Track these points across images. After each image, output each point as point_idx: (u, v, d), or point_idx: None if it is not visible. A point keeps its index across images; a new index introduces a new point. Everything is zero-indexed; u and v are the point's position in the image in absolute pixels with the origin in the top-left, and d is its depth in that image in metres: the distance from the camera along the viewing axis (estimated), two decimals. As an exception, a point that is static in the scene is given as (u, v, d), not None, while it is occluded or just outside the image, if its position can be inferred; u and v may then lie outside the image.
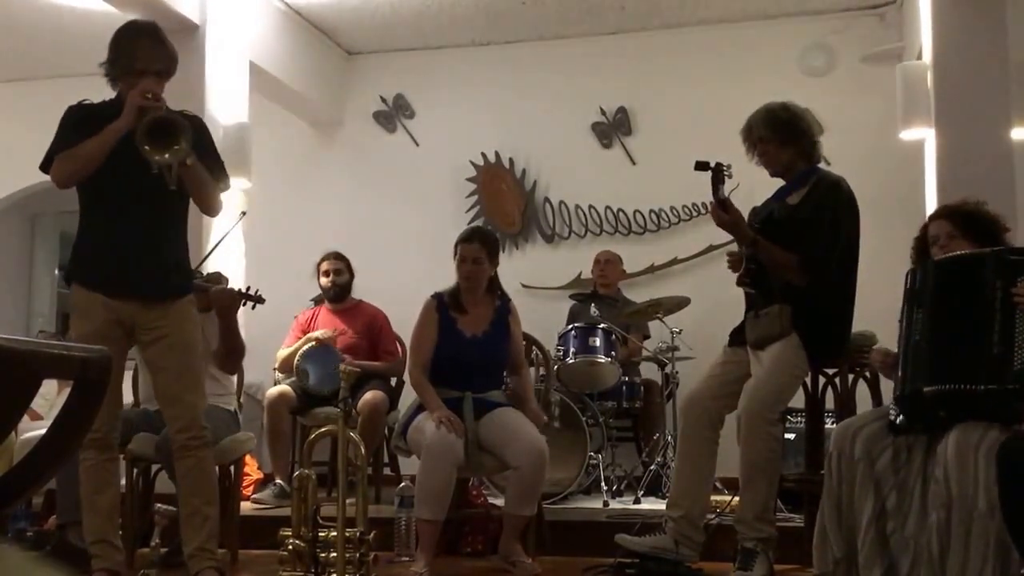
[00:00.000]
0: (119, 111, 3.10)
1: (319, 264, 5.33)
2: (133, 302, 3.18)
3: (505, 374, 4.05)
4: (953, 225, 2.92)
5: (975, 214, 2.95)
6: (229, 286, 4.03)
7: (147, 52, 3.15)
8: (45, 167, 3.18)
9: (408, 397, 4.33)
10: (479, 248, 3.86)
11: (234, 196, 5.23)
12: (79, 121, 3.16)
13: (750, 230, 3.41)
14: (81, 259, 3.25)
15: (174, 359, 3.21)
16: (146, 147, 2.99)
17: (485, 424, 3.73)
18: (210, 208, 3.28)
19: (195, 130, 3.19)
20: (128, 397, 4.08)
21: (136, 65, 3.13)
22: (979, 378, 2.57)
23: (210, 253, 4.49)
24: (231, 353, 3.92)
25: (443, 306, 3.91)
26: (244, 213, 4.59)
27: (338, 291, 5.28)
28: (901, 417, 2.73)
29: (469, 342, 3.86)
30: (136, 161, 3.04)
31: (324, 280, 5.29)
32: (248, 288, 4.01)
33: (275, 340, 5.30)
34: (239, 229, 4.81)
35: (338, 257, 5.33)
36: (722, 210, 3.39)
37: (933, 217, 3.04)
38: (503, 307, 3.96)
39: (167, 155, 3.00)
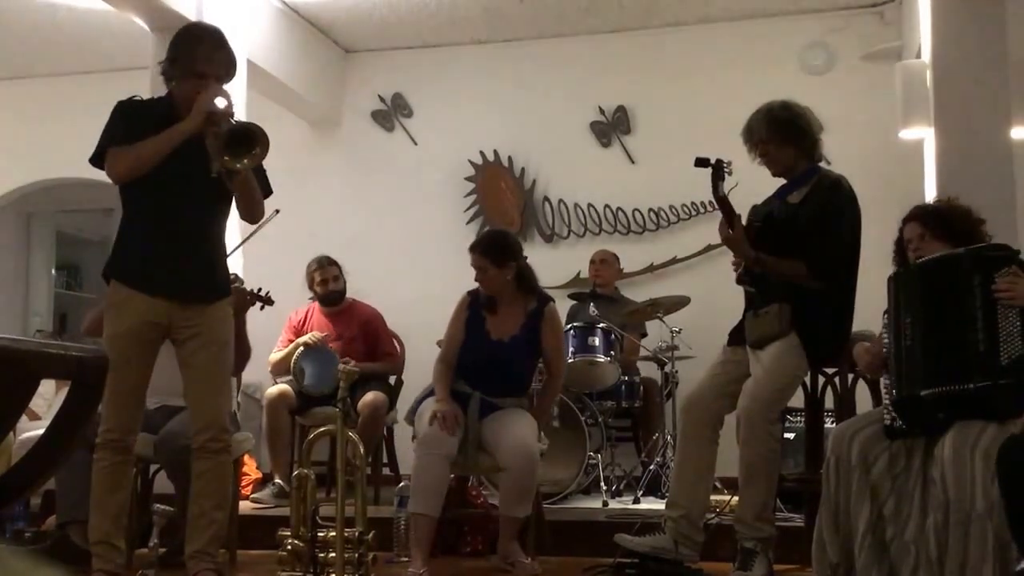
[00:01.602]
0: (171, 110, 3.12)
1: (312, 272, 5.25)
2: (174, 302, 3.17)
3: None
4: (923, 226, 2.95)
5: (944, 212, 2.97)
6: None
7: (209, 55, 3.15)
8: (96, 161, 3.16)
9: (407, 397, 4.32)
10: (479, 257, 3.82)
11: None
12: (132, 116, 3.16)
13: (752, 249, 3.40)
14: (124, 257, 3.23)
15: (206, 358, 3.20)
16: (226, 157, 2.99)
17: (487, 423, 3.72)
18: (255, 215, 3.31)
19: None
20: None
21: (197, 67, 3.13)
22: (969, 377, 2.59)
23: (237, 248, 4.53)
24: (237, 355, 3.92)
25: (475, 304, 3.88)
26: (277, 211, 4.55)
27: (337, 296, 5.26)
28: (898, 421, 2.73)
29: (493, 345, 3.81)
30: (188, 162, 3.05)
31: (321, 289, 5.22)
32: (259, 289, 4.01)
33: (273, 339, 5.28)
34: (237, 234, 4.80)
35: (331, 263, 5.28)
36: (727, 219, 3.37)
37: (905, 219, 3.06)
38: (537, 310, 3.86)
39: (246, 160, 3.02)
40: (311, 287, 5.28)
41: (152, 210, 3.18)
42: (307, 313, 5.34)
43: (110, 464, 3.17)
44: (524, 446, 3.60)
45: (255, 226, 4.44)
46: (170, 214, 3.16)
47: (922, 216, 3.00)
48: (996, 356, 2.55)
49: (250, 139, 3.03)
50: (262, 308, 3.95)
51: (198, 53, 3.15)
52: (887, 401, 2.79)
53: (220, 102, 3.05)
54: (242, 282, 4.14)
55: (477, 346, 3.81)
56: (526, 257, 3.95)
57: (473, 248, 3.87)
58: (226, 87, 3.17)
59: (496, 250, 3.82)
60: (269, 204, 4.47)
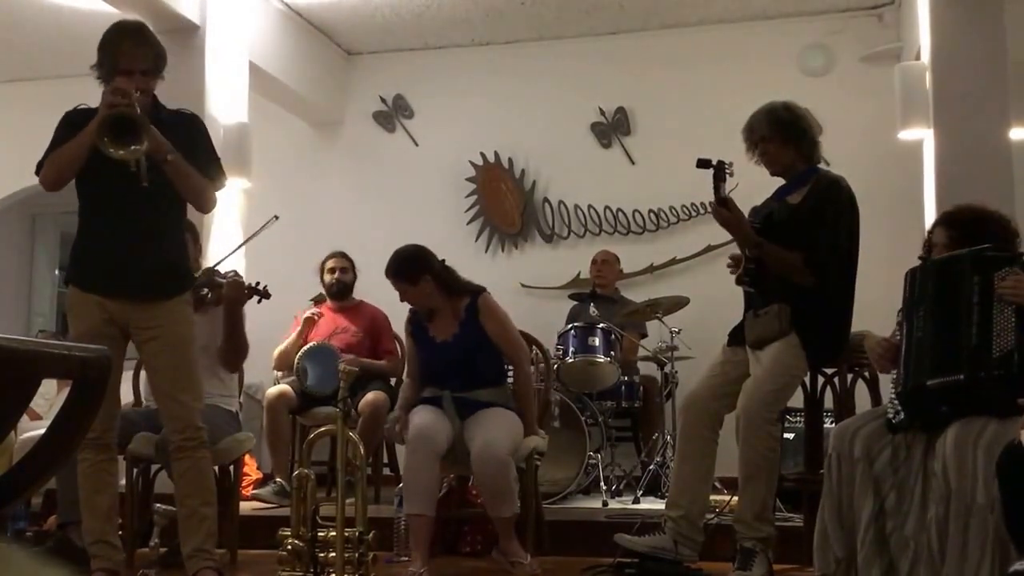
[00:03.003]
0: None
1: (324, 262, 5.37)
2: (128, 302, 3.18)
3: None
4: (949, 236, 2.93)
5: (973, 226, 2.91)
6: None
7: (131, 52, 3.15)
8: (38, 171, 3.19)
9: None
10: (393, 281, 3.85)
11: (234, 196, 5.24)
12: (71, 125, 3.17)
13: (753, 232, 3.41)
14: (77, 260, 3.26)
15: (168, 358, 3.22)
16: (104, 139, 2.98)
17: (469, 423, 3.72)
18: (201, 205, 3.29)
19: (189, 127, 3.20)
20: (128, 396, 4.08)
21: (121, 65, 3.13)
22: (960, 368, 2.64)
23: (234, 251, 4.52)
24: (234, 349, 3.93)
25: (415, 319, 3.93)
26: (276, 217, 4.60)
27: (342, 288, 5.31)
28: (900, 415, 2.75)
29: (440, 347, 3.85)
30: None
31: (328, 277, 5.33)
32: (256, 283, 4.04)
33: (273, 340, 5.29)
34: (237, 233, 4.81)
35: (344, 256, 5.39)
36: (724, 209, 3.38)
37: (936, 222, 3.06)
38: (472, 305, 3.87)
39: (121, 152, 2.99)
40: (321, 277, 5.35)
41: (100, 212, 3.20)
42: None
43: (93, 463, 3.20)
44: (488, 448, 3.55)
45: (253, 231, 4.48)
46: (117, 215, 3.17)
47: (951, 224, 2.97)
48: (988, 349, 2.61)
49: (134, 128, 3.00)
50: (259, 301, 3.97)
51: (121, 50, 3.15)
52: (893, 394, 2.82)
53: (126, 94, 3.03)
54: (240, 277, 4.16)
55: (428, 352, 3.87)
56: (443, 260, 3.92)
57: (385, 274, 3.89)
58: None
59: (404, 270, 3.84)
60: (268, 210, 4.51)
